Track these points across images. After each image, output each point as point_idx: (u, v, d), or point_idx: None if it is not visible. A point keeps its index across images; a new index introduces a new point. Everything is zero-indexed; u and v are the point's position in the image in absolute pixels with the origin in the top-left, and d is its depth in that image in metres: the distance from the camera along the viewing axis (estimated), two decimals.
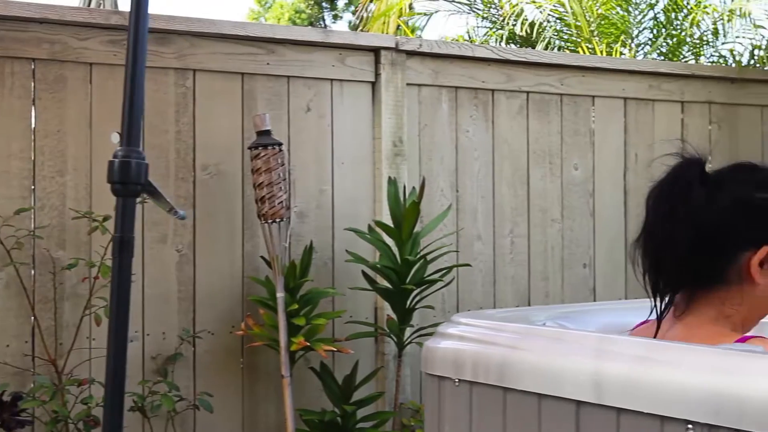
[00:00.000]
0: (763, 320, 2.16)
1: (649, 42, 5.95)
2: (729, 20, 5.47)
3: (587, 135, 4.68)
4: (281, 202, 3.57)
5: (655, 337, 2.04)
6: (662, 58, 6.02)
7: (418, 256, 3.81)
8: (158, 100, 3.68)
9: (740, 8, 5.30)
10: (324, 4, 19.35)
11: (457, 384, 2.23)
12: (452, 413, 2.27)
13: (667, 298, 2.07)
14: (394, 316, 3.84)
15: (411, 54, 4.18)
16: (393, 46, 4.11)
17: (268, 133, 3.60)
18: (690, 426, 1.76)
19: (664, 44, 5.93)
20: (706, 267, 1.97)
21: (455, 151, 4.32)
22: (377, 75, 4.09)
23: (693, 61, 6.00)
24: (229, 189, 3.79)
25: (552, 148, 4.57)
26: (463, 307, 4.29)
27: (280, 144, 3.61)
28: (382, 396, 3.94)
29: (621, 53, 5.82)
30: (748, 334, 2.00)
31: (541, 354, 2.08)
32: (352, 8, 6.44)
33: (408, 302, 3.79)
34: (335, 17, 19.49)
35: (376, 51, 4.10)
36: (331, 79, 4.03)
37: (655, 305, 2.06)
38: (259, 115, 3.62)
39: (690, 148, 2.08)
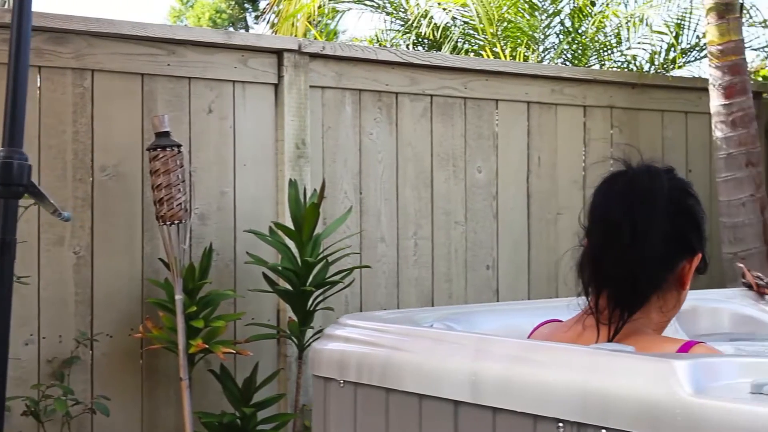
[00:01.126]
0: None
1: (555, 47, 6.04)
2: (633, 26, 5.57)
3: (491, 138, 4.73)
4: (180, 203, 3.55)
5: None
6: (568, 63, 6.12)
7: (319, 257, 3.82)
8: (55, 100, 3.64)
9: (641, 15, 5.41)
10: (246, 4, 19.24)
11: (342, 385, 2.25)
12: (337, 414, 2.28)
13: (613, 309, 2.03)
14: (295, 318, 3.84)
15: (314, 56, 4.18)
16: (296, 48, 4.11)
17: (166, 134, 3.58)
18: (561, 425, 1.80)
19: (570, 50, 6.03)
20: (648, 276, 1.96)
21: (359, 153, 4.34)
22: (280, 77, 4.09)
23: (598, 67, 6.10)
24: (128, 190, 3.76)
25: (456, 151, 4.61)
26: (367, 308, 4.31)
27: (179, 145, 3.59)
28: (283, 398, 3.94)
29: (526, 58, 5.90)
30: (691, 340, 2.03)
31: (423, 355, 2.10)
32: (275, 9, 6.40)
33: (309, 304, 3.80)
34: (257, 18, 19.41)
35: (279, 53, 4.10)
36: (234, 81, 4.01)
37: (607, 314, 1.99)
38: (157, 117, 3.60)
39: (643, 159, 2.07)
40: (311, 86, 4.18)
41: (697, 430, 1.62)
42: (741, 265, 3.56)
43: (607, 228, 1.96)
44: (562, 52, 6.03)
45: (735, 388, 1.65)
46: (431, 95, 4.54)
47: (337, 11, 6.80)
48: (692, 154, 5.38)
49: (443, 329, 2.41)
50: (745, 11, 5.29)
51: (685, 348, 1.90)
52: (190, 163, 3.85)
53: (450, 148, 4.59)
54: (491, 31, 5.77)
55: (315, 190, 3.92)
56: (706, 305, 3.18)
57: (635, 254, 1.92)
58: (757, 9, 5.47)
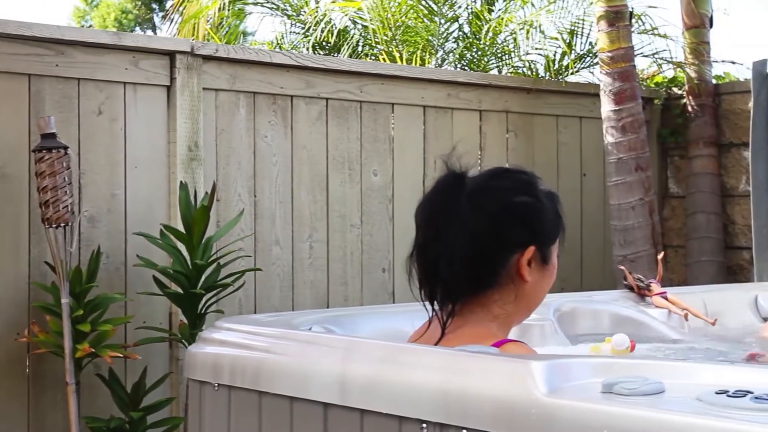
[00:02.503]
0: None
1: (453, 52, 6.10)
2: (527, 33, 5.66)
3: (387, 142, 4.77)
4: (66, 206, 3.51)
5: (437, 343, 2.08)
6: (467, 68, 6.18)
7: (211, 260, 3.81)
8: None
9: (535, 20, 5.50)
10: (153, 4, 19.04)
11: (216, 388, 2.25)
12: (212, 418, 2.29)
13: (448, 307, 2.10)
14: (186, 321, 3.82)
15: (208, 58, 4.17)
16: (188, 50, 4.09)
17: (53, 136, 3.53)
18: (424, 425, 1.83)
19: (468, 55, 6.09)
20: (479, 274, 2.04)
21: (253, 156, 4.33)
22: (172, 79, 4.06)
23: (497, 72, 6.18)
24: (14, 192, 3.70)
25: (351, 154, 4.63)
26: (261, 311, 4.30)
27: (65, 147, 3.54)
28: (173, 401, 3.91)
29: (425, 62, 5.95)
30: (508, 337, 2.08)
31: (294, 358, 2.12)
32: (179, 10, 6.35)
33: (199, 307, 3.78)
34: (165, 18, 19.19)
35: (171, 55, 4.07)
36: (125, 83, 3.98)
37: (435, 314, 2.08)
38: (43, 118, 3.55)
39: (454, 161, 2.13)
40: (204, 88, 4.16)
41: (551, 429, 1.66)
42: (622, 267, 3.66)
43: (418, 229, 2.07)
44: (460, 57, 6.09)
45: (587, 387, 1.70)
46: (327, 98, 4.55)
47: (244, 13, 6.79)
48: (586, 158, 5.49)
49: (322, 332, 2.43)
50: (636, 19, 5.40)
51: (498, 344, 1.96)
52: (79, 166, 3.81)
53: (346, 152, 4.62)
54: (389, 35, 5.81)
55: (206, 192, 3.90)
56: (587, 307, 3.26)
57: (442, 253, 2.00)
58: (649, 17, 5.60)
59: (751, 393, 1.55)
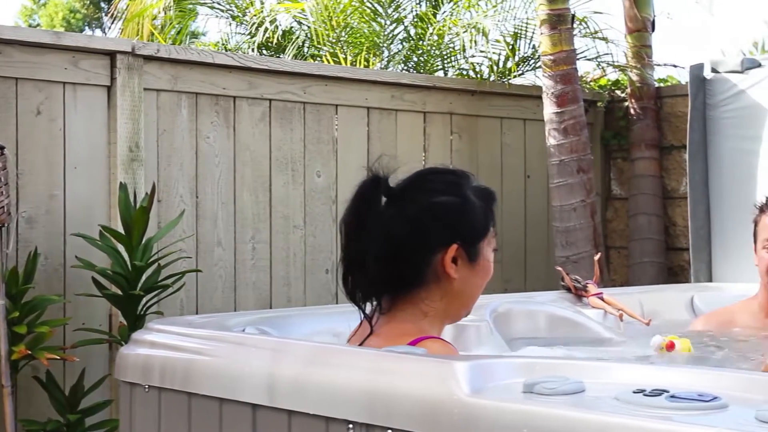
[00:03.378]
0: None
1: (398, 54, 6.12)
2: (471, 35, 5.69)
3: (330, 143, 4.77)
4: (2, 207, 3.47)
5: (365, 340, 2.11)
6: (412, 70, 6.21)
7: (151, 261, 3.79)
8: None
9: (479, 23, 5.53)
10: (102, 3, 18.87)
11: (146, 390, 2.25)
12: (143, 420, 2.28)
13: (373, 305, 2.14)
14: (125, 322, 3.80)
15: (149, 59, 4.15)
16: (129, 50, 4.07)
17: None
18: (350, 426, 1.85)
19: (414, 57, 6.12)
20: (403, 274, 2.09)
21: (195, 157, 4.32)
22: (113, 79, 4.04)
23: (442, 74, 6.21)
24: None
25: (295, 155, 4.63)
26: (203, 312, 4.29)
27: (2, 147, 3.51)
28: (111, 403, 3.89)
29: (370, 64, 5.96)
30: (441, 334, 2.11)
31: (223, 359, 2.12)
32: (124, 9, 6.30)
33: (139, 308, 3.76)
34: (108, 16, 19.03)
35: (112, 55, 4.04)
36: (64, 83, 3.94)
37: (363, 314, 2.13)
38: None
39: (377, 165, 2.17)
40: (146, 89, 4.14)
41: (473, 429, 1.68)
42: (559, 268, 3.69)
43: (341, 231, 2.12)
44: (405, 59, 6.11)
45: (509, 387, 1.72)
46: (270, 99, 4.55)
47: (195, 13, 6.75)
48: (530, 159, 5.53)
49: (255, 334, 2.44)
50: (578, 22, 5.45)
51: (416, 341, 1.98)
52: (17, 166, 3.77)
53: (289, 153, 4.61)
54: (334, 36, 5.82)
55: (146, 193, 3.88)
56: (523, 308, 3.29)
57: (361, 253, 2.06)
58: (593, 20, 5.64)
59: (667, 392, 1.58)
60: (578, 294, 3.56)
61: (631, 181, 5.67)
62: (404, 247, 2.06)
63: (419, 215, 2.07)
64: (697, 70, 4.57)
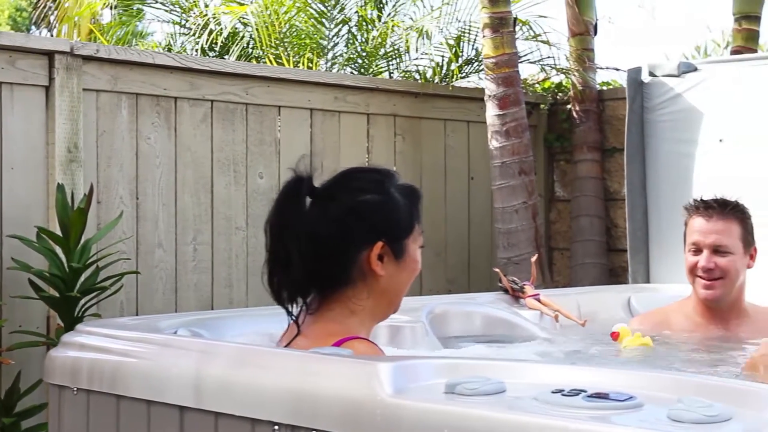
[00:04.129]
0: None
1: (342, 55, 6.13)
2: (413, 38, 5.71)
3: (273, 144, 4.77)
4: None
5: (293, 340, 2.13)
6: (356, 72, 6.21)
7: (89, 263, 3.76)
8: None
9: (422, 26, 5.55)
10: (50, 2, 18.63)
11: (75, 393, 2.23)
12: (71, 423, 2.27)
13: (299, 306, 2.16)
14: (62, 324, 3.77)
15: (88, 59, 4.11)
16: (68, 50, 4.03)
17: None
18: (276, 427, 1.85)
19: (358, 59, 6.13)
20: (329, 273, 2.11)
21: (136, 158, 4.29)
22: (51, 79, 4.00)
23: (387, 76, 6.22)
24: None
25: (237, 156, 4.62)
26: (143, 314, 4.26)
27: None
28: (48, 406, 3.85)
29: (314, 65, 5.96)
30: (354, 334, 2.12)
31: (150, 361, 2.12)
32: (66, 7, 6.23)
33: (76, 310, 3.73)
34: (41, 17, 18.79)
35: (50, 55, 4.01)
36: (1, 82, 3.90)
37: (289, 315, 2.15)
38: None
39: (301, 165, 2.20)
40: (85, 89, 4.11)
41: (395, 430, 1.70)
42: (497, 270, 3.72)
43: (266, 231, 2.15)
44: (349, 60, 6.12)
45: (432, 388, 1.74)
46: (212, 100, 4.53)
47: (142, 13, 6.71)
48: (474, 162, 5.56)
49: (187, 336, 2.43)
50: (521, 26, 5.49)
51: (341, 342, 2.00)
52: None
53: (231, 154, 4.60)
54: (278, 37, 5.82)
55: (85, 194, 3.85)
56: (459, 309, 3.31)
57: (285, 253, 2.08)
58: (537, 24, 5.69)
59: (585, 392, 1.60)
60: (515, 295, 3.59)
61: (573, 183, 5.72)
62: (329, 246, 2.08)
63: (343, 214, 2.09)
64: (634, 74, 4.63)
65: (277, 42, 5.82)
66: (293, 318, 2.11)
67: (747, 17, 5.28)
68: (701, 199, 3.42)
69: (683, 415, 1.48)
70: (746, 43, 5.24)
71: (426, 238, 5.64)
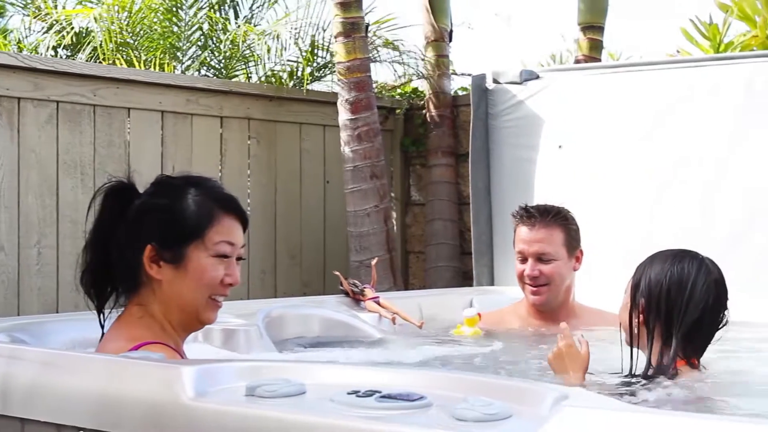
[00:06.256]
0: None
1: (195, 58, 6.10)
2: (275, 40, 5.71)
3: (122, 147, 4.71)
4: None
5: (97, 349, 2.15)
6: (212, 75, 6.18)
7: None
8: None
9: (274, 31, 5.56)
10: None
11: None
12: None
13: (103, 311, 2.18)
14: None
15: None
16: None
17: None
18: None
19: (214, 62, 6.10)
20: (122, 277, 2.16)
21: None
22: None
23: (244, 79, 6.21)
24: None
25: (84, 158, 4.55)
26: None
27: None
28: None
29: (171, 68, 5.91)
30: (152, 339, 2.13)
31: None
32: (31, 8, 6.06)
33: None
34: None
35: None
36: None
37: (99, 318, 2.19)
38: None
39: (125, 171, 2.22)
40: None
41: None
42: (337, 273, 3.76)
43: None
44: (203, 63, 6.09)
45: (234, 391, 1.76)
46: (57, 101, 4.45)
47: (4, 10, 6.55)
48: (330, 165, 5.59)
49: (5, 341, 2.39)
50: (373, 32, 5.55)
51: (138, 346, 2.02)
52: None
53: (78, 156, 4.53)
54: (128, 37, 5.75)
55: None
56: (297, 312, 3.33)
57: (93, 258, 2.19)
58: (391, 30, 5.76)
59: (379, 392, 1.64)
60: (356, 298, 3.63)
61: (428, 187, 5.81)
62: (119, 251, 2.12)
63: (131, 218, 2.14)
64: (479, 81, 4.73)
65: (127, 43, 5.75)
66: (101, 322, 2.13)
67: (591, 27, 5.45)
68: (525, 207, 3.53)
69: (466, 414, 1.53)
70: (590, 53, 5.40)
71: (280, 242, 5.66)
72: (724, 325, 2.49)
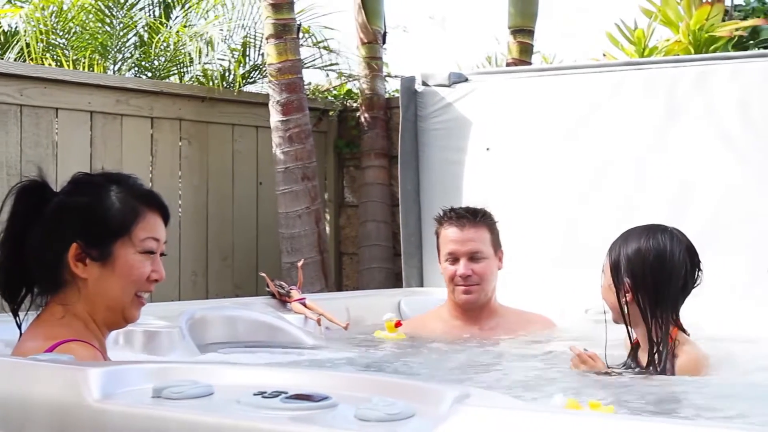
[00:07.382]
0: None
1: (127, 59, 6.05)
2: (208, 43, 5.68)
3: (50, 147, 4.67)
4: None
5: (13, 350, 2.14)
6: (143, 75, 6.14)
7: None
8: None
9: (206, 32, 5.54)
10: None
11: None
12: None
13: (18, 312, 2.17)
14: None
15: None
16: None
17: None
18: None
19: (147, 62, 6.06)
20: (43, 276, 2.14)
21: None
22: None
23: (177, 80, 6.17)
24: None
25: (10, 159, 4.50)
26: None
27: None
28: None
29: (103, 68, 5.86)
30: (72, 337, 2.12)
31: None
32: None
33: None
34: None
35: None
36: None
37: (15, 319, 2.17)
38: None
39: (38, 171, 2.20)
40: None
41: None
42: (263, 274, 3.76)
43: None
44: (137, 64, 6.05)
45: (140, 392, 1.75)
46: None
47: None
48: (262, 167, 5.58)
49: None
50: (305, 33, 5.56)
51: (56, 345, 2.02)
52: None
53: (4, 156, 4.48)
54: (57, 36, 5.69)
55: None
56: (220, 314, 3.33)
57: (9, 258, 2.15)
58: (322, 32, 5.77)
59: (285, 393, 1.65)
60: (282, 300, 3.64)
61: (361, 189, 5.83)
62: (36, 250, 2.10)
63: (49, 217, 2.13)
64: (408, 83, 4.75)
65: (56, 43, 5.69)
66: (17, 322, 2.11)
67: (521, 31, 5.50)
68: (452, 210, 3.57)
69: (369, 414, 1.54)
70: (520, 56, 5.46)
71: (212, 243, 5.63)
72: (699, 284, 2.66)
